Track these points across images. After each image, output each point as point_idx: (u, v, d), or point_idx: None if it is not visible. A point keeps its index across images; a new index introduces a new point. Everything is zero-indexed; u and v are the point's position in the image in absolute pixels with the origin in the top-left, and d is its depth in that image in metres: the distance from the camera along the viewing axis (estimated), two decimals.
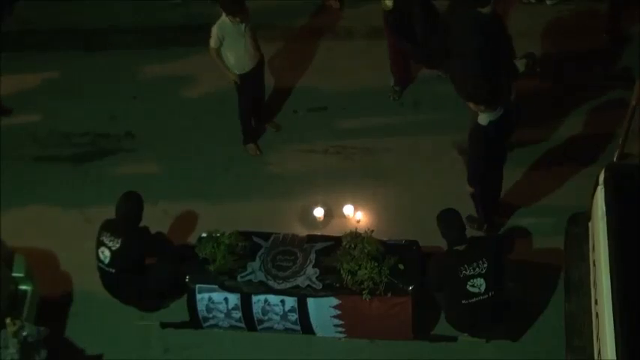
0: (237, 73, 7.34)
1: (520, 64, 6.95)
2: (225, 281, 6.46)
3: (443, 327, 6.46)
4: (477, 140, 6.32)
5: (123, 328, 6.80)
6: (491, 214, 6.84)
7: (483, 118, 6.23)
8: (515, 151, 7.10)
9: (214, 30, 7.15)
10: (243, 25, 7.11)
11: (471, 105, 6.23)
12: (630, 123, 6.88)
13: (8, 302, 6.46)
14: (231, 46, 7.20)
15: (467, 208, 6.58)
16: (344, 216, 7.22)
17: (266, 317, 6.48)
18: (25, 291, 6.64)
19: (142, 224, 6.54)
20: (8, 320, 6.01)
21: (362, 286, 6.24)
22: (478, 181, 6.51)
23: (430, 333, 6.53)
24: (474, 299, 6.01)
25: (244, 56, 7.26)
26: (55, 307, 6.84)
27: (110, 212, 6.54)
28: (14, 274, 6.65)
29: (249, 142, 7.81)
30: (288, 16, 8.86)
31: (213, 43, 7.19)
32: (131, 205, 6.45)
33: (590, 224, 6.30)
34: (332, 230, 7.03)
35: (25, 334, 6.06)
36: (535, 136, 7.46)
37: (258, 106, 7.77)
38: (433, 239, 6.37)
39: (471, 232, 6.08)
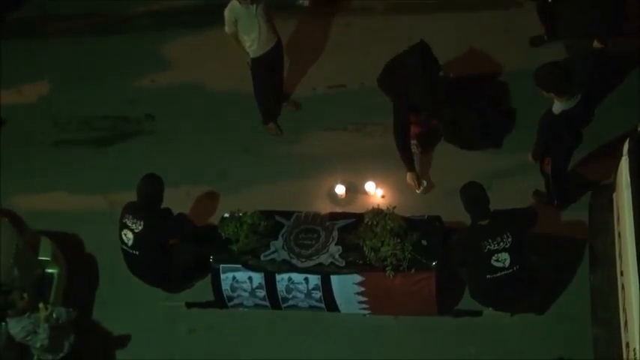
0: (253, 56, 7.27)
1: None
2: (248, 260, 6.48)
3: (467, 302, 6.45)
4: (546, 127, 6.18)
5: (148, 309, 6.86)
6: (565, 191, 6.71)
7: (557, 107, 6.08)
8: None
9: (225, 15, 7.06)
10: (255, 6, 7.00)
11: (543, 93, 6.06)
12: None
13: (35, 286, 6.53)
14: (245, 29, 7.11)
15: (489, 182, 6.52)
16: (365, 193, 7.21)
17: (290, 295, 6.50)
18: (52, 274, 6.72)
19: (164, 206, 6.57)
20: (41, 305, 6.07)
21: (385, 263, 6.24)
22: (543, 157, 6.43)
23: (455, 308, 6.53)
24: (499, 274, 5.99)
25: (259, 39, 7.15)
26: (81, 290, 6.89)
27: (132, 195, 6.57)
28: (40, 258, 6.73)
29: (268, 122, 7.79)
30: None
31: (227, 29, 7.13)
32: (152, 187, 6.47)
33: (614, 195, 6.24)
34: (354, 207, 7.03)
35: (55, 316, 6.12)
36: None
37: (277, 86, 7.75)
38: (456, 214, 6.35)
39: (494, 205, 6.02)
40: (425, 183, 7.13)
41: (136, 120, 8.15)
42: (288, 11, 8.38)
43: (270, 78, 7.53)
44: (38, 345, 6.05)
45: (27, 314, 6.07)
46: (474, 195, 5.99)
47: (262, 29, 7.12)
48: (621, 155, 6.04)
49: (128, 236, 6.50)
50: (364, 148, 7.56)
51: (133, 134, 8.06)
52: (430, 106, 7.00)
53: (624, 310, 5.72)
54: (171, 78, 8.37)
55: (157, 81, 8.40)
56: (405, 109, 6.93)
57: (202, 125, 7.99)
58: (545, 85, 6.04)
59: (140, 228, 6.44)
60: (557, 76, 6.02)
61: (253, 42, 7.18)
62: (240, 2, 6.97)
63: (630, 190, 5.75)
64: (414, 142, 7.33)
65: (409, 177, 7.09)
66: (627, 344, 5.56)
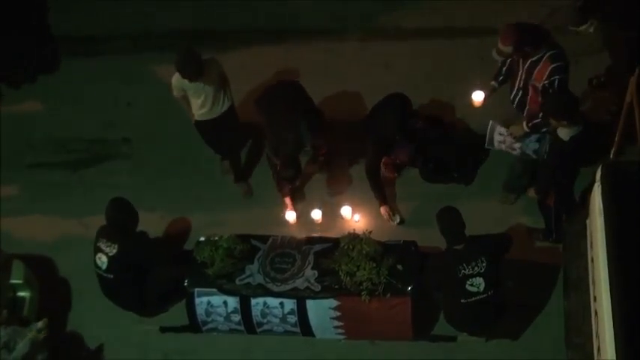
0: (198, 119, 7.09)
1: None
2: (223, 285, 6.45)
3: (442, 327, 6.46)
4: (557, 154, 6.19)
5: (122, 333, 6.80)
6: (561, 223, 6.73)
7: (565, 134, 6.09)
8: None
9: (173, 82, 6.91)
10: (203, 83, 6.82)
11: (552, 121, 6.08)
12: (626, 119, 6.89)
13: (7, 309, 6.46)
14: (192, 95, 6.95)
15: (465, 207, 6.55)
16: (342, 217, 7.22)
17: (265, 320, 6.47)
18: (24, 297, 6.65)
19: (139, 229, 6.54)
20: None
21: (361, 287, 6.24)
22: (549, 190, 6.46)
23: (430, 333, 6.53)
24: (473, 298, 6.01)
25: (203, 108, 6.99)
26: (54, 314, 6.82)
27: None
28: (12, 281, 6.66)
29: (238, 181, 7.56)
30: (280, 20, 8.82)
31: (175, 93, 7.01)
32: (118, 210, 6.43)
33: (587, 221, 6.30)
34: (330, 232, 7.03)
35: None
36: None
37: (233, 147, 7.51)
38: (431, 239, 6.38)
39: (470, 230, 6.06)
40: (399, 218, 7.16)
41: (112, 143, 8.11)
42: (262, 37, 8.35)
43: (216, 140, 7.35)
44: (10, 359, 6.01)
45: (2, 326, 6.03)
46: (449, 219, 6.03)
47: (208, 99, 6.93)
48: (594, 182, 6.11)
49: (102, 260, 6.46)
50: (341, 173, 7.58)
51: (110, 157, 8.02)
52: (406, 147, 7.19)
53: (597, 335, 5.76)
54: (148, 101, 8.35)
55: (134, 104, 8.39)
56: (381, 150, 7.08)
57: (179, 149, 7.97)
58: (556, 114, 6.04)
59: (114, 252, 6.40)
60: (568, 104, 6.04)
61: (201, 107, 7.00)
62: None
63: (603, 216, 5.82)
64: (389, 168, 7.39)
65: (383, 210, 7.14)
66: None
